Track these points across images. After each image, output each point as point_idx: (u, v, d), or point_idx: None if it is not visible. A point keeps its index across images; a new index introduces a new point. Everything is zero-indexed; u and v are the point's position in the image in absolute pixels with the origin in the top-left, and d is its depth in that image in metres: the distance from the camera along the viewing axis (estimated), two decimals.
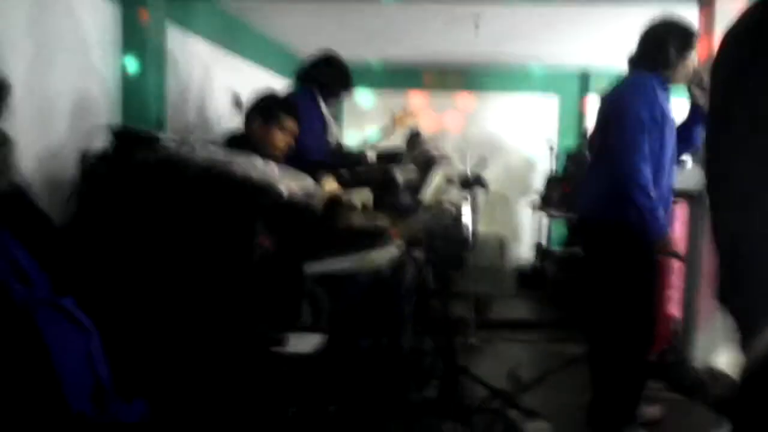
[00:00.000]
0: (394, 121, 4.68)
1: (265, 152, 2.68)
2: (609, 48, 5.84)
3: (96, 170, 2.20)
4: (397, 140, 4.64)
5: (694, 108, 3.01)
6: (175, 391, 1.95)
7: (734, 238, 1.79)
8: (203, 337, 2.02)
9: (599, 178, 2.96)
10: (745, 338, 1.76)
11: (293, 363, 2.23)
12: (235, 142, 2.89)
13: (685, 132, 2.99)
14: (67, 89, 2.83)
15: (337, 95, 3.94)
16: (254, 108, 3.10)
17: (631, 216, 2.75)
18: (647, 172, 2.73)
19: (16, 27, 2.53)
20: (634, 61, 2.96)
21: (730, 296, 1.82)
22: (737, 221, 1.77)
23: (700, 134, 3.00)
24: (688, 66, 2.88)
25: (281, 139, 3.03)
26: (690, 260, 3.96)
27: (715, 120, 1.90)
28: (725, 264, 1.81)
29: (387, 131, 4.55)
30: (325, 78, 3.82)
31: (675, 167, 2.98)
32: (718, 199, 1.85)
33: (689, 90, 2.98)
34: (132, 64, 3.26)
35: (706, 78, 2.90)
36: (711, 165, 1.89)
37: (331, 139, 3.92)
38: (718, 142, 1.84)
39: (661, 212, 2.76)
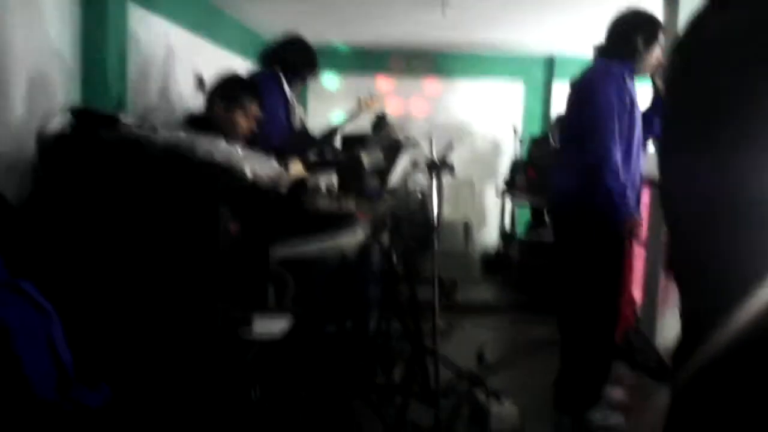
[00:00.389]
0: (361, 106, 4.65)
1: (227, 135, 2.64)
2: (574, 35, 5.88)
3: (54, 151, 2.14)
4: (363, 124, 4.62)
5: (656, 98, 3.10)
6: (140, 375, 1.92)
7: (679, 215, 1.88)
8: (168, 320, 1.99)
9: (569, 162, 3.00)
10: (684, 307, 1.86)
11: (259, 346, 2.21)
12: (196, 124, 2.84)
13: (646, 120, 3.05)
14: (24, 68, 2.75)
15: (302, 77, 3.90)
16: (216, 90, 3.05)
17: (601, 199, 2.81)
18: (617, 155, 2.79)
19: None
20: (603, 50, 3.04)
21: (675, 267, 1.92)
22: (682, 199, 1.86)
23: (660, 123, 3.06)
24: (653, 57, 2.96)
25: (243, 122, 2.99)
26: (652, 245, 4.03)
27: (671, 105, 1.96)
28: (672, 237, 1.92)
29: (353, 115, 4.52)
30: (290, 60, 3.79)
31: (643, 153, 3.04)
32: (667, 178, 1.93)
33: (653, 80, 3.08)
34: (92, 43, 3.18)
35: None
36: (664, 147, 1.97)
37: (296, 122, 3.88)
38: (673, 126, 1.92)
39: (630, 195, 2.81)
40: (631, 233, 2.88)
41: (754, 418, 1.71)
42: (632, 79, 2.95)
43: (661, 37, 2.97)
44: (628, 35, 2.92)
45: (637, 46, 2.92)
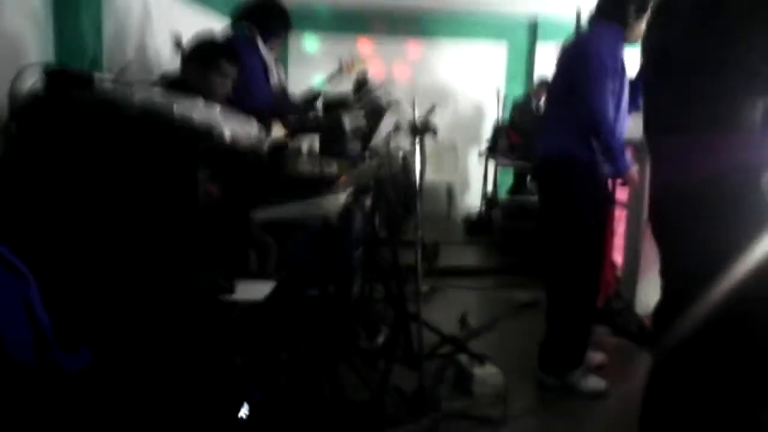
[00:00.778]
0: (342, 68, 4.59)
1: (203, 98, 2.58)
2: None
3: (27, 111, 2.08)
4: (345, 87, 4.56)
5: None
6: (121, 339, 1.89)
7: (664, 181, 1.92)
8: (149, 284, 1.96)
9: (559, 123, 3.05)
10: (665, 269, 1.91)
11: (241, 311, 2.19)
12: (172, 86, 2.77)
13: (633, 88, 3.07)
14: None
15: (276, 37, 3.82)
16: (192, 52, 2.98)
17: (595, 155, 2.91)
18: (612, 113, 2.87)
19: None
20: (596, 16, 3.09)
21: (657, 229, 1.97)
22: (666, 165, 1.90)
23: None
24: (642, 26, 2.97)
25: (219, 84, 2.93)
26: (633, 208, 4.04)
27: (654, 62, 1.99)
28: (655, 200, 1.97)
29: (335, 78, 4.46)
30: (263, 19, 3.70)
31: (627, 117, 3.07)
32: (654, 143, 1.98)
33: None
34: (66, 1, 3.08)
35: None
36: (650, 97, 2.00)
37: (274, 83, 3.81)
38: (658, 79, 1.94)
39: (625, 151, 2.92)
40: (628, 184, 3.06)
41: (732, 387, 1.75)
42: (622, 45, 3.00)
43: (650, 8, 2.98)
44: (622, 3, 2.98)
45: (628, 14, 2.96)
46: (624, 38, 3.00)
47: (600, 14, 3.06)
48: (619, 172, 2.95)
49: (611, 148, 2.87)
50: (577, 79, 2.95)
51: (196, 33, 3.06)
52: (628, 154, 2.98)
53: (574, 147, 2.94)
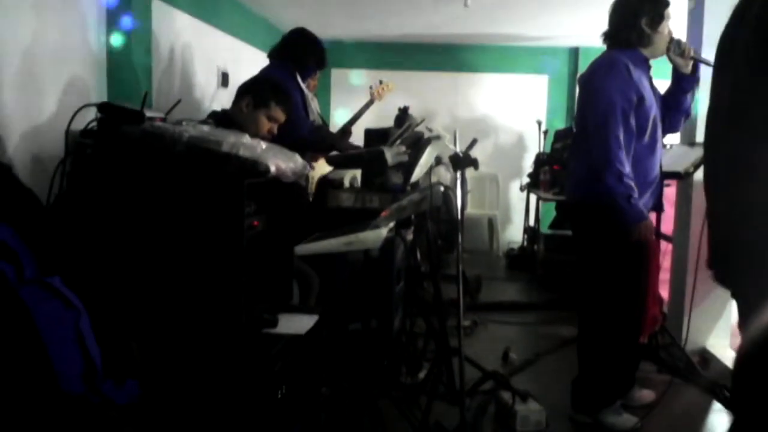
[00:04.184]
0: (373, 95, 4.68)
1: (248, 134, 2.64)
2: (599, 25, 5.79)
3: (82, 148, 2.15)
4: (386, 120, 4.61)
5: (678, 76, 2.95)
6: (167, 372, 1.92)
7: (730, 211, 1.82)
8: (193, 317, 1.99)
9: (579, 161, 2.93)
10: (740, 308, 1.80)
11: (284, 344, 2.20)
12: (219, 120, 2.83)
13: (673, 102, 2.95)
14: (52, 67, 2.76)
15: (312, 72, 3.89)
16: (247, 88, 3.05)
17: (608, 200, 2.71)
18: (621, 156, 2.67)
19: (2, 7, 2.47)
20: (608, 40, 2.91)
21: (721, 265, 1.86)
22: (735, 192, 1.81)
23: (689, 102, 2.98)
24: (664, 37, 2.83)
25: (266, 124, 2.98)
26: (678, 241, 3.96)
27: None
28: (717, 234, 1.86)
29: (368, 107, 4.54)
30: (301, 55, 3.77)
31: (661, 146, 2.94)
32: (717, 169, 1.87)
33: (670, 59, 2.91)
34: (117, 41, 3.19)
35: (685, 45, 2.85)
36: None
37: (312, 117, 3.87)
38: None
39: (636, 197, 2.69)
40: (639, 237, 2.73)
41: None
42: (642, 67, 2.82)
43: (668, 12, 2.81)
44: (632, 21, 2.78)
45: (643, 30, 2.77)
46: (646, 58, 2.83)
47: (611, 42, 2.87)
48: (625, 221, 2.70)
49: (614, 193, 2.66)
50: (585, 117, 2.81)
51: (238, 64, 3.12)
52: (644, 200, 2.79)
53: (591, 190, 2.76)
